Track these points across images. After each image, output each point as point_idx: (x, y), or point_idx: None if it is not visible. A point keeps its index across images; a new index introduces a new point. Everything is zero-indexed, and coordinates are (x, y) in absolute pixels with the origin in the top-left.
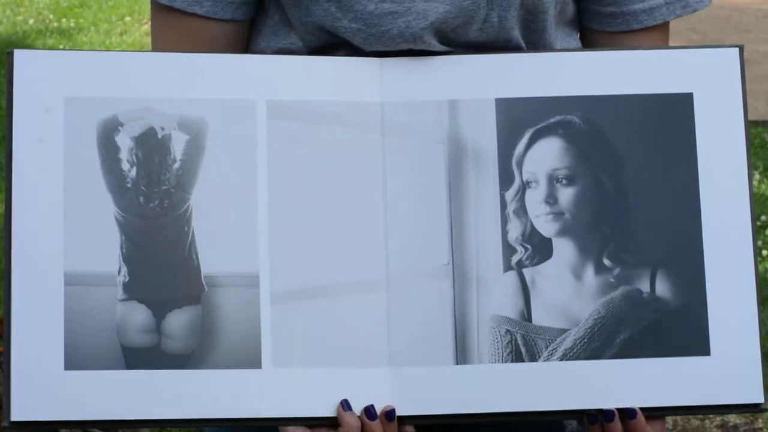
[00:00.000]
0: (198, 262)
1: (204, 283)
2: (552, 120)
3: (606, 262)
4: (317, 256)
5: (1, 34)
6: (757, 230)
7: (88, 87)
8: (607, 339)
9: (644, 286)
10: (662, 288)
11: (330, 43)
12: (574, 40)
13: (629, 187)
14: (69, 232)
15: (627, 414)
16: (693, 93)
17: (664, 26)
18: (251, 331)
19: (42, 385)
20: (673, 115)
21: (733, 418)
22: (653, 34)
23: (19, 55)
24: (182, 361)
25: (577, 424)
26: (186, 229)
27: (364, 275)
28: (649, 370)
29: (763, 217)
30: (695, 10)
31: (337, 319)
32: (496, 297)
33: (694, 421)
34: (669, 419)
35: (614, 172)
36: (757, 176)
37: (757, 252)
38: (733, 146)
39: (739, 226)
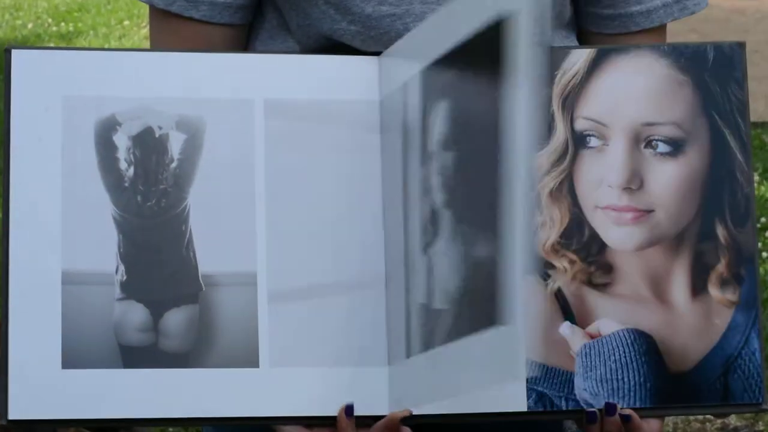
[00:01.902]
0: (195, 261)
1: (201, 282)
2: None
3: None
4: (315, 255)
5: (0, 38)
6: (757, 232)
7: (86, 86)
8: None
9: None
10: None
11: (327, 46)
12: (571, 42)
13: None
14: (67, 230)
15: (622, 418)
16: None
17: (661, 29)
18: (249, 330)
19: (39, 384)
20: None
21: (733, 421)
22: (651, 36)
23: (16, 54)
24: (180, 360)
25: (576, 427)
26: (183, 228)
27: (362, 274)
28: None
29: (763, 219)
30: (693, 13)
31: (335, 317)
32: (417, 285)
33: (695, 424)
34: (668, 421)
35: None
36: (756, 178)
37: (757, 254)
38: None
39: None
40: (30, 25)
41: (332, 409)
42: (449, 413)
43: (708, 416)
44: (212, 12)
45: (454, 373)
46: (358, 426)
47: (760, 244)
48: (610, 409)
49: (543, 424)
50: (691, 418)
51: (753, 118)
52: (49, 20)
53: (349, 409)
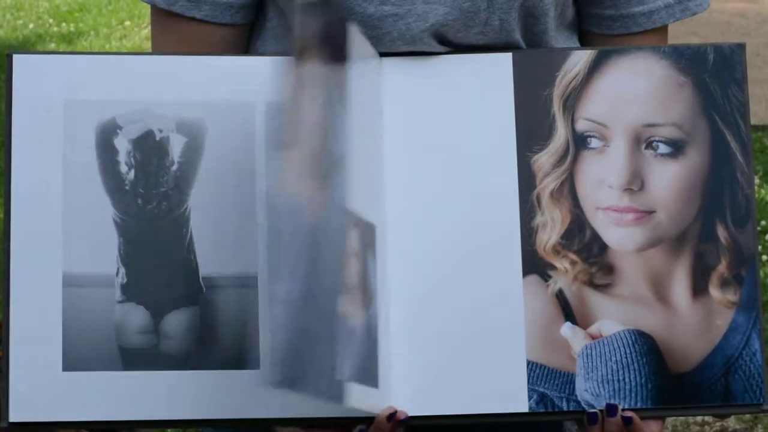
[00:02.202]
0: (196, 263)
1: (202, 283)
2: None
3: None
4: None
5: (1, 38)
6: (757, 235)
7: (87, 90)
8: None
9: None
10: None
11: None
12: (574, 43)
13: None
14: (67, 233)
15: (623, 420)
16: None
17: (663, 30)
18: (249, 331)
19: (40, 386)
20: None
21: (732, 423)
22: (652, 37)
23: (18, 59)
24: (180, 361)
25: (576, 428)
26: (184, 230)
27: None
28: None
29: (763, 222)
30: (694, 14)
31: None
32: None
33: (694, 427)
34: (668, 423)
35: None
36: (757, 181)
37: (758, 256)
38: None
39: None
40: (31, 26)
41: (331, 411)
42: (449, 414)
43: (707, 419)
44: (214, 12)
45: None
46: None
47: (760, 247)
48: (611, 410)
49: (543, 426)
50: (690, 420)
51: (754, 121)
52: (50, 20)
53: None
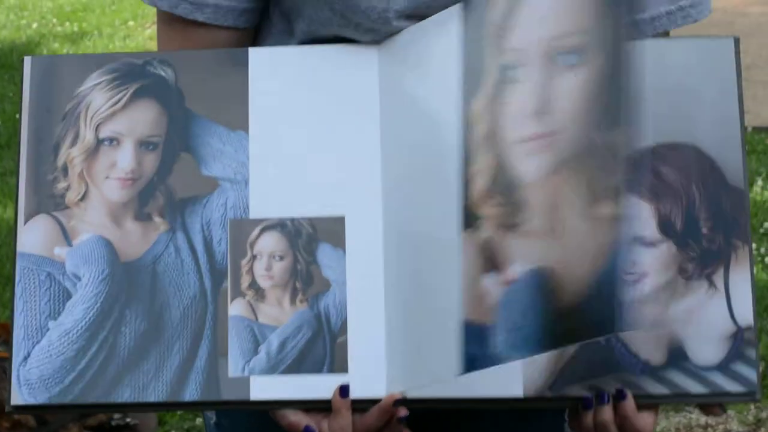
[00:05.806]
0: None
1: None
2: None
3: None
4: None
5: (5, 38)
6: (760, 237)
7: None
8: None
9: None
10: None
11: None
12: None
13: None
14: None
15: (618, 395)
16: None
17: (664, 36)
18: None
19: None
20: None
21: (735, 426)
22: None
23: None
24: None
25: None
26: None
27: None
28: None
29: (766, 224)
30: (696, 21)
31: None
32: None
33: (697, 429)
34: (671, 427)
35: None
36: (760, 183)
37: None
38: None
39: None
40: (35, 25)
41: (329, 393)
42: (443, 398)
43: (710, 422)
44: (216, 15)
45: None
46: (356, 410)
47: (762, 249)
48: (601, 397)
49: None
50: (693, 423)
51: (757, 123)
52: (54, 20)
53: (344, 390)
